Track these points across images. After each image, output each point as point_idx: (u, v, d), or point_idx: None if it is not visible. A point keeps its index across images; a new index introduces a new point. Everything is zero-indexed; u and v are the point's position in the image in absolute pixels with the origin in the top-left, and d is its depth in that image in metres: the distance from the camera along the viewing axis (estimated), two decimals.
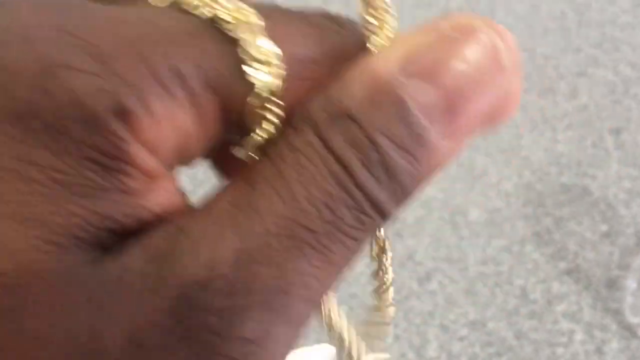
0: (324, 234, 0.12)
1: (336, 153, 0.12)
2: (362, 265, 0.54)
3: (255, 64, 0.13)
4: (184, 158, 0.13)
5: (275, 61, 0.13)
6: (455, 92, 0.13)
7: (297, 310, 0.12)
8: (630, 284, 0.62)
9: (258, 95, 0.13)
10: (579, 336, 0.61)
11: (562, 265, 0.65)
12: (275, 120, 0.13)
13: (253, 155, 0.14)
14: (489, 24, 0.14)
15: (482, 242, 0.67)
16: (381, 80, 0.13)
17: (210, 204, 0.13)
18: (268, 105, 0.13)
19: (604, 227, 0.67)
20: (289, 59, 0.13)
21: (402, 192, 0.13)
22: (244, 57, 0.13)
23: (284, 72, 0.13)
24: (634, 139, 0.74)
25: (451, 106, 0.13)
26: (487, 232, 0.67)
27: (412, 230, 0.68)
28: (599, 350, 0.60)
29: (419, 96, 0.13)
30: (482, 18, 0.14)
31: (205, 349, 0.11)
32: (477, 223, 0.68)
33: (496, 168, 0.72)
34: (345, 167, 0.12)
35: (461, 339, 0.61)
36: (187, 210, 0.13)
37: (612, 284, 0.63)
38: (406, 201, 0.13)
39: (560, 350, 0.60)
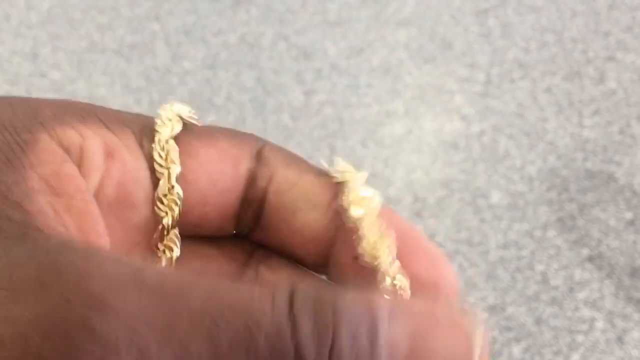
0: None
1: None
2: None
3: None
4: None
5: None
6: None
7: None
8: None
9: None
10: (600, 324, 0.60)
11: (585, 252, 0.64)
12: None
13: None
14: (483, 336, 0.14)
15: (504, 225, 0.66)
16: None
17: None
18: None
19: (628, 215, 0.66)
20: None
21: None
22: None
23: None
24: None
25: None
26: (509, 215, 0.66)
27: (433, 211, 0.67)
28: (620, 340, 0.59)
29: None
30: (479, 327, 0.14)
31: None
32: (499, 206, 0.67)
33: (520, 151, 0.71)
34: None
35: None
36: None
37: (635, 273, 0.62)
38: None
39: (580, 338, 0.59)
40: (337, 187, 0.18)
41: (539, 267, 0.63)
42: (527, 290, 0.62)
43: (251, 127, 0.72)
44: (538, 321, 0.60)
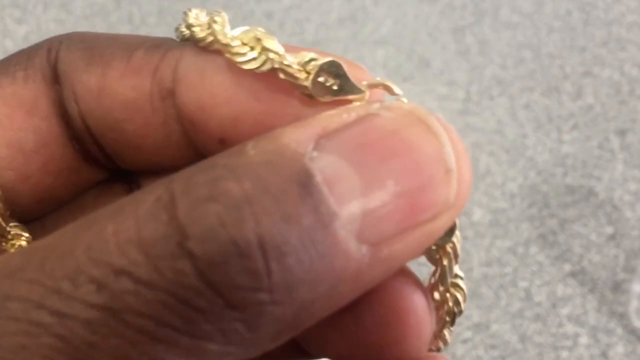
0: None
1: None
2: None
3: None
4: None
5: None
6: (383, 183, 0.10)
7: None
8: (636, 287, 0.62)
9: None
10: (583, 340, 0.60)
11: (567, 267, 0.64)
12: None
13: None
14: (440, 120, 0.11)
15: (487, 243, 0.66)
16: (285, 147, 0.10)
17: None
18: None
19: (609, 230, 0.66)
20: None
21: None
22: None
23: None
24: (639, 140, 0.73)
25: (372, 195, 0.10)
26: (492, 233, 0.66)
27: None
28: (604, 355, 0.59)
29: (332, 173, 0.10)
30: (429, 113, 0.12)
31: None
32: (481, 224, 0.67)
33: (501, 168, 0.71)
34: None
35: (465, 341, 0.60)
36: None
37: (618, 287, 0.62)
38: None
39: (564, 354, 0.59)
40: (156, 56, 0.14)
41: (522, 284, 0.63)
42: (510, 307, 0.62)
43: None
44: (522, 338, 0.60)
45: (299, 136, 0.10)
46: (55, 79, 0.14)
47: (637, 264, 0.63)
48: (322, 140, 0.11)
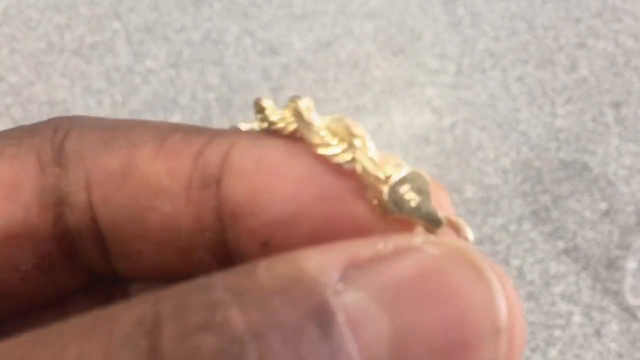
0: None
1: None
2: None
3: None
4: None
5: None
6: (419, 334, 0.09)
7: None
8: (631, 264, 0.60)
9: None
10: (577, 318, 0.59)
11: (561, 244, 0.63)
12: None
13: None
14: (492, 265, 0.10)
15: (479, 220, 0.64)
16: (305, 273, 0.08)
17: None
18: None
19: (603, 205, 0.65)
20: None
21: None
22: None
23: None
24: (635, 113, 0.72)
25: (403, 348, 0.08)
26: (484, 210, 0.65)
27: None
28: (598, 333, 0.58)
29: (359, 315, 0.08)
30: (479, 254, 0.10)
31: None
32: (473, 200, 0.66)
33: (493, 143, 0.70)
34: None
35: None
36: None
37: (612, 265, 0.61)
38: None
39: (557, 333, 0.58)
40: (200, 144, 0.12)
41: (515, 262, 0.62)
42: None
43: (217, 126, 0.70)
44: None
45: (323, 262, 0.09)
46: (57, 161, 0.12)
47: (632, 241, 0.62)
48: (351, 271, 0.09)
